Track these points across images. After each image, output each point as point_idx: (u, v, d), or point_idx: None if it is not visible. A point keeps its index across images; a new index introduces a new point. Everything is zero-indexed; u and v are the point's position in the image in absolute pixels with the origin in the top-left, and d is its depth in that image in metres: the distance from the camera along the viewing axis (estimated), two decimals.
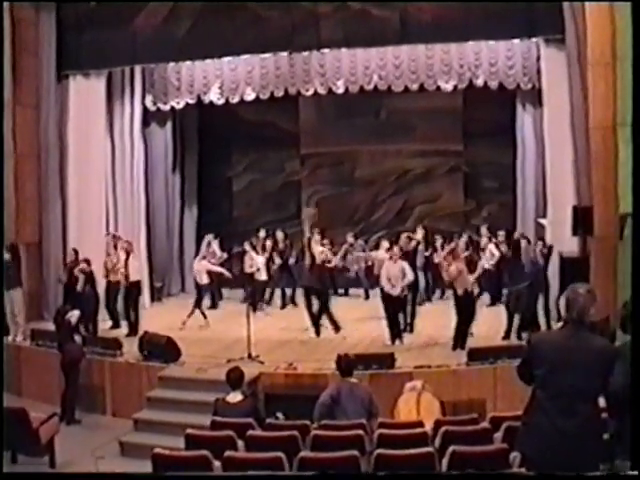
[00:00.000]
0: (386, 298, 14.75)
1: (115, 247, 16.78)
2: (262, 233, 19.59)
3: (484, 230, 18.40)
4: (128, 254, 16.43)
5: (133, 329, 15.88)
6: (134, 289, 16.49)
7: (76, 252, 16.46)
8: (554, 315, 14.91)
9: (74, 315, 13.52)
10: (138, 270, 16.77)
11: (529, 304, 14.61)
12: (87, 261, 15.90)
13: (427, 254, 18.34)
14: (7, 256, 15.36)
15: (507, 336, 14.53)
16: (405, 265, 14.80)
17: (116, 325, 16.59)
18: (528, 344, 5.91)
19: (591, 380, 5.44)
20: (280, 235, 19.50)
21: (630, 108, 12.42)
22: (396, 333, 14.67)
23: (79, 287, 15.55)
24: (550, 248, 15.30)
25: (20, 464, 10.91)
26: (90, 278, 15.76)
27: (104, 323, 16.61)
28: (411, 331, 15.42)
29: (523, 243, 15.13)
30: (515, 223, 19.16)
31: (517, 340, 14.11)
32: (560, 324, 14.07)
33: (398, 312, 14.85)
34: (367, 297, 19.60)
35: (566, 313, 5.66)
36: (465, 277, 14.06)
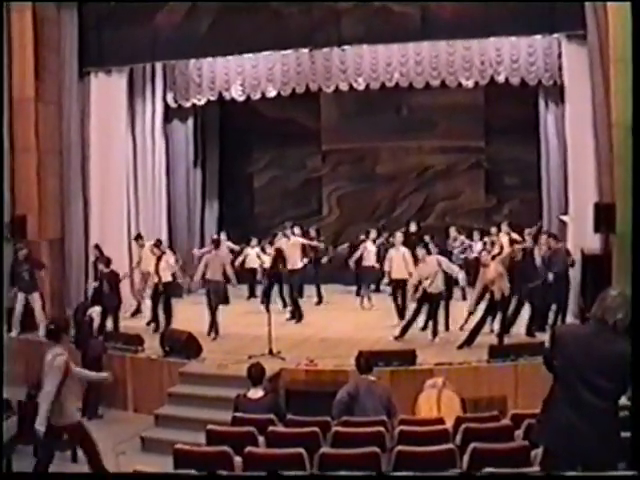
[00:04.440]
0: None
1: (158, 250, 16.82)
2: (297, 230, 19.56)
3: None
4: (159, 257, 16.46)
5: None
6: (165, 290, 16.49)
7: (98, 248, 16.58)
8: (572, 311, 14.96)
9: (95, 311, 13.60)
10: (168, 271, 16.72)
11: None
12: (107, 261, 15.96)
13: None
14: (25, 265, 15.64)
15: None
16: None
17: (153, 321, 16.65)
18: (552, 334, 5.90)
19: (608, 380, 5.42)
20: (313, 232, 19.59)
21: None
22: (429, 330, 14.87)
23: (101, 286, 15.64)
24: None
25: None
26: (110, 278, 15.77)
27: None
28: (447, 329, 15.42)
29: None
30: (540, 220, 19.04)
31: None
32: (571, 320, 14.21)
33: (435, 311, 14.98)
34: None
35: (593, 311, 5.64)
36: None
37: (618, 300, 5.54)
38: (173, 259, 16.82)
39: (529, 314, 14.80)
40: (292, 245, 17.69)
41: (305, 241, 18.47)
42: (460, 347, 13.82)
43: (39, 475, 8.82)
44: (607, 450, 5.52)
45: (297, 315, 16.83)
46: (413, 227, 19.28)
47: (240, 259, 19.37)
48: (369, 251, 17.91)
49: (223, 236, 19.56)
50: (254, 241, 19.71)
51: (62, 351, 9.23)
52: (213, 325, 15.59)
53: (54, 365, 9.03)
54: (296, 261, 17.57)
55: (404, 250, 16.02)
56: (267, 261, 18.83)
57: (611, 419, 5.54)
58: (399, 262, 15.85)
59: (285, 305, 17.64)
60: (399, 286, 15.97)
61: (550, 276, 14.79)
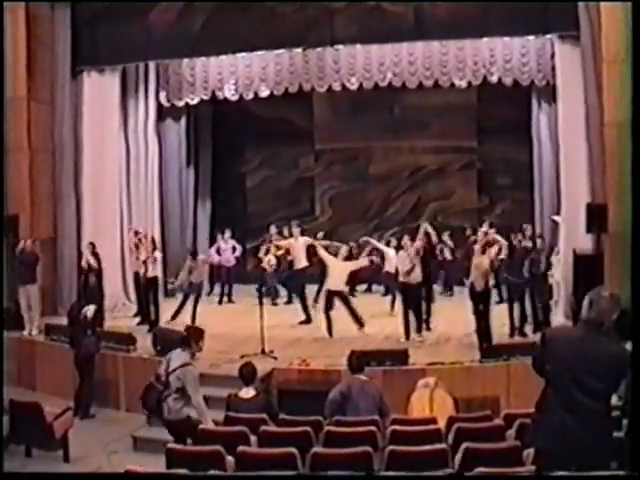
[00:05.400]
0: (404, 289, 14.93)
1: (140, 241, 16.88)
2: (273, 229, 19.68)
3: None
4: (148, 250, 16.48)
5: (153, 325, 15.88)
6: (152, 285, 16.51)
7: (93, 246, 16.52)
8: (562, 312, 15.00)
9: (90, 310, 13.57)
10: (157, 266, 16.75)
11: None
12: (96, 256, 15.94)
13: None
14: (22, 255, 15.51)
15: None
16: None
17: (143, 321, 16.65)
18: (542, 338, 5.91)
19: (601, 381, 5.43)
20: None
21: None
22: (415, 328, 14.76)
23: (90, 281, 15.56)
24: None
25: (34, 458, 10.96)
26: (96, 273, 15.73)
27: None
28: (428, 329, 15.40)
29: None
30: (533, 220, 19.05)
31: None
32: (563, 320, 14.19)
33: (416, 305, 14.91)
34: (386, 293, 19.41)
35: (585, 313, 5.64)
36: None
37: (612, 302, 5.55)
38: (159, 257, 16.85)
39: (520, 313, 14.85)
40: (300, 244, 17.60)
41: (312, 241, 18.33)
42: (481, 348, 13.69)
43: (34, 475, 8.81)
44: (601, 450, 5.54)
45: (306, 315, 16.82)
46: (428, 228, 19.11)
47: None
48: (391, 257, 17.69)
49: (228, 234, 19.60)
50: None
51: (190, 360, 9.44)
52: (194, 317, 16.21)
53: (190, 376, 9.32)
54: (302, 260, 17.55)
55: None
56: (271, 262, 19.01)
57: (604, 420, 5.56)
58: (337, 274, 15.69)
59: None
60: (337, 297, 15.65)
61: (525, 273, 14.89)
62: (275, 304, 18.82)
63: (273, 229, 19.56)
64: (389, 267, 17.17)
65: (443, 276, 19.48)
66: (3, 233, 15.97)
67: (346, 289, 15.70)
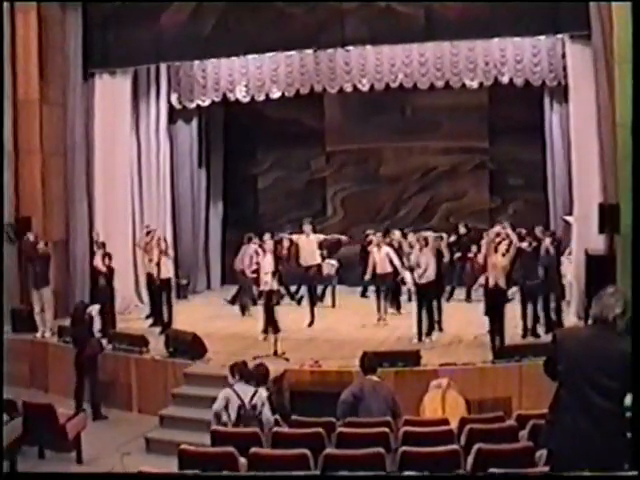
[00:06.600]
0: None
1: (152, 240, 16.92)
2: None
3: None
4: (161, 252, 16.47)
5: (166, 326, 15.86)
6: (165, 286, 16.52)
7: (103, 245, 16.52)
8: (576, 312, 14.96)
9: (94, 309, 13.62)
10: (169, 268, 16.76)
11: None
12: (108, 255, 15.98)
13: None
14: (34, 255, 15.54)
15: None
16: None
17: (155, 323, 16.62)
18: (553, 339, 5.89)
19: (614, 380, 5.41)
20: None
21: None
22: (426, 330, 14.73)
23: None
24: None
25: (47, 459, 11.00)
26: (108, 273, 15.77)
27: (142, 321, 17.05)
28: (440, 329, 15.37)
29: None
30: (547, 221, 18.98)
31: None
32: (575, 320, 14.15)
33: (429, 305, 14.92)
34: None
35: (592, 310, 5.64)
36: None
37: (615, 296, 5.52)
38: (171, 262, 16.86)
39: (532, 314, 14.80)
40: (310, 241, 17.62)
41: (323, 237, 18.40)
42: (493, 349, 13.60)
43: (42, 475, 8.84)
44: (615, 452, 5.51)
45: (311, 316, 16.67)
46: (462, 229, 19.27)
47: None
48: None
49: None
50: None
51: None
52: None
53: (264, 396, 9.45)
54: (315, 257, 17.58)
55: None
56: None
57: (618, 420, 5.54)
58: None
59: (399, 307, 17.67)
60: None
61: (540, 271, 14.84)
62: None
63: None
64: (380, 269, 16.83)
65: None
66: (3, 234, 16.02)
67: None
